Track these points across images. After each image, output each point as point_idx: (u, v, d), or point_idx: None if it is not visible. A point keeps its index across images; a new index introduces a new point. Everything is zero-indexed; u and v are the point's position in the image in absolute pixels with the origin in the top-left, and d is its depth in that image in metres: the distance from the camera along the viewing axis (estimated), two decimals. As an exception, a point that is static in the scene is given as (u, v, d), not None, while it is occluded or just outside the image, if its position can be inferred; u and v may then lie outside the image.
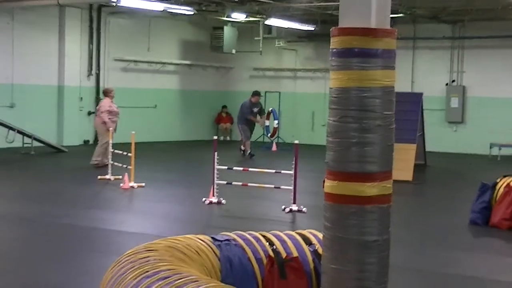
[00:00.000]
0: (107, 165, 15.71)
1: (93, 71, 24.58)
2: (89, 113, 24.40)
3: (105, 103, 17.65)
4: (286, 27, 25.23)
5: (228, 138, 28.35)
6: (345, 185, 4.38)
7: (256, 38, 25.98)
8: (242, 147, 21.54)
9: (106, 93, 18.11)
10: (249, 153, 21.16)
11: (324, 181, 4.48)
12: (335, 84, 4.42)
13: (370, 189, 4.35)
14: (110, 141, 15.80)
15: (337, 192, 4.41)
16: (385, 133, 4.39)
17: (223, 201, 12.36)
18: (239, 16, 24.04)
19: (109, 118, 17.29)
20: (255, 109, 21.89)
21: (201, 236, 5.50)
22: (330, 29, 4.50)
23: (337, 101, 4.41)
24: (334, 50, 4.43)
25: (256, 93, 22.12)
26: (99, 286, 5.17)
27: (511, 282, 7.96)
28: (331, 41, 4.46)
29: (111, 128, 16.47)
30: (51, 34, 23.31)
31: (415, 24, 25.16)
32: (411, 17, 24.00)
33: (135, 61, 25.74)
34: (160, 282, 4.34)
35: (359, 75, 4.34)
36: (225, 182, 12.55)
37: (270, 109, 24.51)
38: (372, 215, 4.38)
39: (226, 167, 12.65)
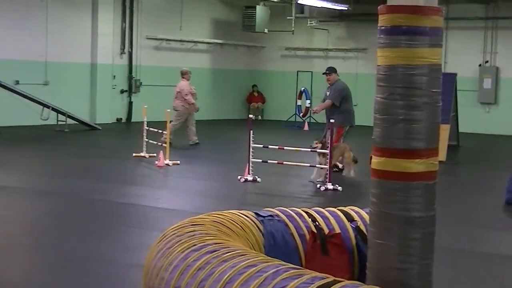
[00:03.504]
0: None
1: (126, 49, 24.71)
2: (122, 91, 24.57)
3: (186, 85, 18.00)
4: (319, 6, 25.16)
5: (259, 117, 28.34)
6: (392, 161, 4.41)
7: (288, 18, 25.96)
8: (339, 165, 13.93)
9: (183, 74, 18.37)
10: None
11: (371, 157, 4.53)
12: (382, 61, 4.46)
13: (416, 165, 4.38)
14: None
15: (383, 168, 4.45)
16: (432, 110, 4.42)
17: (259, 179, 12.43)
18: (271, -5, 24.05)
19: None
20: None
21: (244, 212, 5.56)
22: (378, 7, 4.52)
23: (385, 78, 4.44)
24: (382, 27, 4.46)
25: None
26: (142, 260, 5.26)
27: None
28: (379, 18, 4.49)
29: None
30: (84, 12, 23.44)
31: (448, 4, 24.97)
32: (444, -3, 23.86)
33: (167, 39, 25.83)
34: (208, 256, 4.40)
35: (407, 53, 4.37)
36: (260, 160, 12.62)
37: (302, 88, 24.57)
38: (417, 191, 4.41)
39: (261, 145, 12.70)
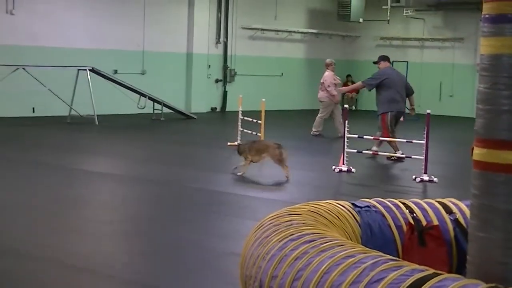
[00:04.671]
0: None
1: (221, 39, 24.92)
2: (217, 81, 24.79)
3: (329, 76, 18.24)
4: (415, -5, 24.82)
5: (353, 107, 28.15)
6: (494, 153, 4.30)
7: (383, 7, 25.71)
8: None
9: (327, 65, 18.60)
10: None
11: (472, 149, 4.43)
12: (486, 50, 4.34)
13: (521, 157, 4.26)
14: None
15: (485, 160, 4.34)
16: (538, 101, 4.29)
17: (353, 170, 12.35)
18: (367, -16, 23.84)
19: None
20: None
21: (341, 202, 5.53)
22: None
23: (489, 68, 4.33)
24: (487, 16, 4.35)
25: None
26: (237, 248, 5.28)
27: None
28: (483, 6, 4.38)
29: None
30: (180, 2, 23.75)
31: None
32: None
33: (262, 29, 25.92)
34: (305, 245, 4.38)
35: (512, 42, 4.25)
36: (355, 151, 12.54)
37: (397, 78, 24.26)
38: (522, 184, 4.29)
39: (356, 136, 12.62)
